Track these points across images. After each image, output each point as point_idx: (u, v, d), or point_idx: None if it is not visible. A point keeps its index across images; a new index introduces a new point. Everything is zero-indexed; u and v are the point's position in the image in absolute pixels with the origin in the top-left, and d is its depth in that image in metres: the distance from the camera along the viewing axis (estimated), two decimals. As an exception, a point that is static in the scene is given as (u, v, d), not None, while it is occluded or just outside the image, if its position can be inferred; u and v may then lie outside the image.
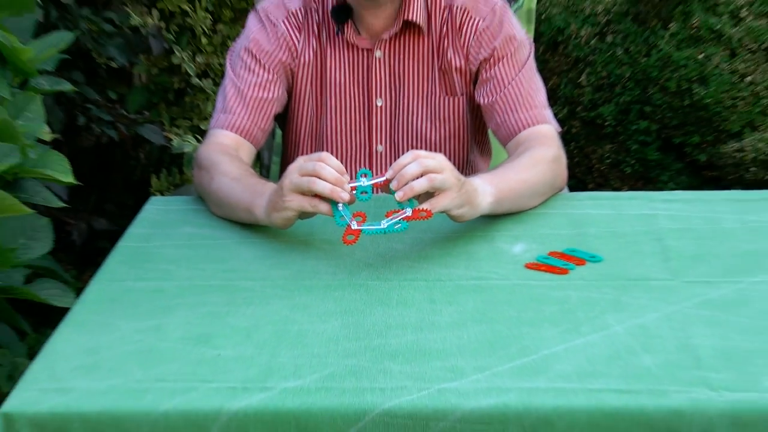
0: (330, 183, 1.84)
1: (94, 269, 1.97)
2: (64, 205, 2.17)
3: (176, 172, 3.53)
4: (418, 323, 1.75)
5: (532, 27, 2.98)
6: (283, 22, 2.39)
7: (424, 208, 1.87)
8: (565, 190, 2.29)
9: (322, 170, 1.85)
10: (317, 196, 1.87)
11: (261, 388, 1.56)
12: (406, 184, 1.83)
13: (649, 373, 1.59)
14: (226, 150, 2.25)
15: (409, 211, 1.87)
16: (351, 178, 1.89)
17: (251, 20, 2.41)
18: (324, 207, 1.87)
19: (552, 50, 3.68)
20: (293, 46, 2.38)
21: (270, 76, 2.35)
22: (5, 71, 2.11)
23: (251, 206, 2.05)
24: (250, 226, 2.08)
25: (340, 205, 1.87)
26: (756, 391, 1.54)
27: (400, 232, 1.89)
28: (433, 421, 1.52)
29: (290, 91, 2.42)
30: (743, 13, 3.43)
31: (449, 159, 1.96)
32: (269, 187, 2.03)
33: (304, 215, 1.94)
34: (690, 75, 3.39)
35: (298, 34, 2.39)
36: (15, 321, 2.18)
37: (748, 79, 3.39)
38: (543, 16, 3.70)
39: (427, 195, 1.87)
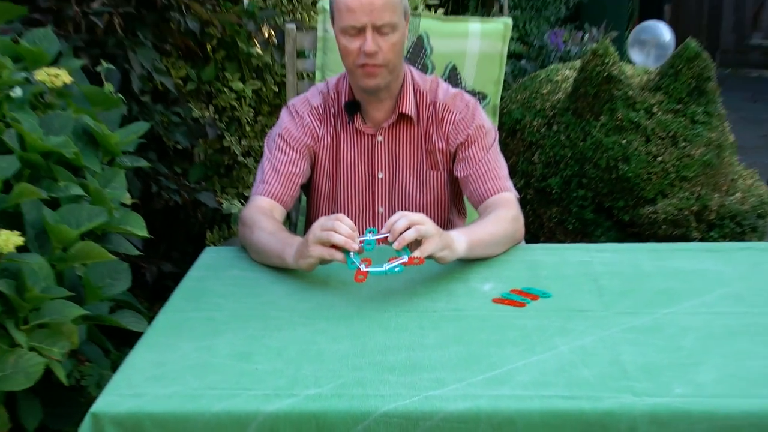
0: (344, 237, 1.89)
1: (162, 302, 1.96)
2: (140, 253, 2.17)
3: (225, 228, 3.53)
4: (410, 344, 1.74)
5: (496, 118, 2.99)
6: (308, 114, 2.40)
7: (417, 256, 1.90)
8: (523, 242, 2.28)
9: (339, 227, 1.90)
10: (334, 246, 1.91)
11: (289, 395, 1.56)
12: (399, 235, 1.88)
13: (587, 383, 1.59)
14: (263, 211, 2.25)
15: (405, 257, 1.90)
16: (360, 234, 1.94)
17: (284, 113, 2.43)
18: (339, 255, 1.92)
19: (511, 136, 3.69)
20: (315, 132, 2.39)
21: (297, 156, 2.36)
22: (97, 152, 2.12)
23: (283, 254, 2.06)
24: (282, 270, 2.08)
25: (352, 253, 1.91)
26: (669, 396, 1.54)
27: (398, 274, 1.90)
28: (421, 420, 1.52)
29: (312, 167, 2.42)
30: (655, 109, 3.44)
31: (434, 218, 2.04)
32: (297, 239, 2.06)
33: (323, 261, 1.96)
34: (616, 155, 3.39)
35: (319, 124, 2.40)
36: (102, 342, 2.17)
37: (659, 158, 3.39)
38: (504, 110, 3.71)
39: (417, 243, 1.91)
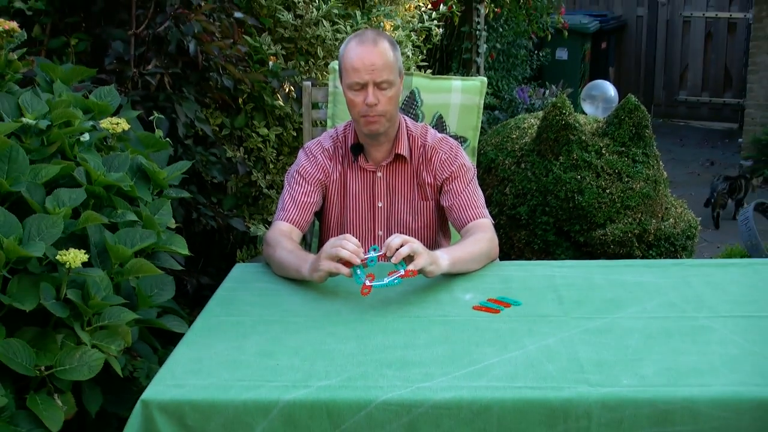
0: (349, 251, 1.91)
1: (200, 309, 1.95)
2: (182, 268, 2.16)
3: (253, 248, 3.52)
4: (404, 344, 1.73)
5: (475, 158, 2.98)
6: (320, 154, 2.39)
7: (411, 269, 1.91)
8: (497, 260, 2.27)
9: (346, 244, 1.93)
10: (342, 262, 1.92)
11: (304, 386, 1.55)
12: (395, 251, 1.90)
13: (551, 376, 1.57)
14: (284, 234, 2.24)
15: (401, 270, 1.91)
16: (365, 252, 1.96)
17: (301, 154, 2.42)
18: (344, 270, 1.93)
19: (487, 172, 3.68)
20: (326, 169, 2.38)
21: (311, 188, 2.35)
22: (149, 185, 2.11)
23: (299, 268, 2.05)
24: (299, 282, 2.06)
25: (359, 270, 1.92)
26: (618, 386, 1.53)
27: (396, 286, 1.92)
28: (413, 407, 1.50)
29: (324, 197, 2.41)
30: (603, 151, 3.44)
31: (423, 240, 2.08)
32: (311, 256, 2.06)
33: (332, 274, 1.96)
34: (572, 188, 3.38)
35: (329, 162, 2.38)
36: (150, 341, 2.16)
37: (608, 191, 3.38)
38: (481, 151, 3.70)
39: (409, 259, 1.92)
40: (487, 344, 1.71)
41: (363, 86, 2.21)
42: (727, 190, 5.35)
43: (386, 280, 1.89)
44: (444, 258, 2.03)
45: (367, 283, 1.89)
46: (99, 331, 1.77)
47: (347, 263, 1.92)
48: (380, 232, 2.43)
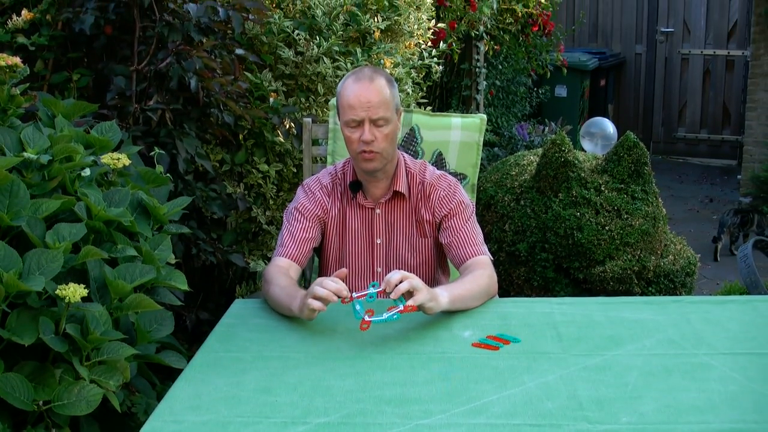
0: (326, 290, 1.91)
1: (199, 344, 1.95)
2: (181, 303, 2.16)
3: (252, 283, 3.52)
4: (403, 381, 1.73)
5: (474, 195, 3.00)
6: (319, 191, 2.40)
7: (410, 305, 1.91)
8: (496, 296, 2.27)
9: (325, 284, 1.92)
10: (327, 298, 1.92)
11: (303, 423, 1.55)
12: (394, 286, 1.90)
13: (550, 413, 1.57)
14: (281, 270, 2.24)
15: (401, 306, 1.91)
16: (364, 289, 1.96)
17: (300, 190, 2.43)
18: (317, 304, 1.92)
19: (487, 209, 3.69)
20: (325, 206, 2.39)
21: (310, 224, 2.36)
22: (149, 220, 2.13)
23: (290, 305, 2.05)
24: (297, 318, 2.06)
25: (357, 304, 1.92)
26: (617, 423, 1.53)
27: (395, 321, 1.92)
28: (412, 444, 1.49)
29: (323, 233, 2.42)
30: (602, 188, 3.45)
31: (422, 277, 2.06)
32: (301, 293, 2.04)
33: (316, 310, 1.94)
34: (572, 225, 3.39)
35: (328, 199, 2.40)
36: (149, 376, 2.15)
37: (607, 228, 3.39)
38: (481, 188, 3.72)
39: (409, 295, 1.92)
40: (486, 381, 1.71)
41: (359, 123, 2.23)
42: (739, 223, 5.36)
43: (385, 316, 1.89)
44: (443, 295, 2.03)
45: (366, 318, 1.89)
46: (98, 366, 1.77)
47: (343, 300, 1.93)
48: (379, 269, 2.44)
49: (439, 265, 2.51)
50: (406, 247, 2.42)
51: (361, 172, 2.36)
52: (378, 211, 2.41)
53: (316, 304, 1.92)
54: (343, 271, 2.05)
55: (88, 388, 1.71)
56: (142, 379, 2.13)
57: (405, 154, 2.46)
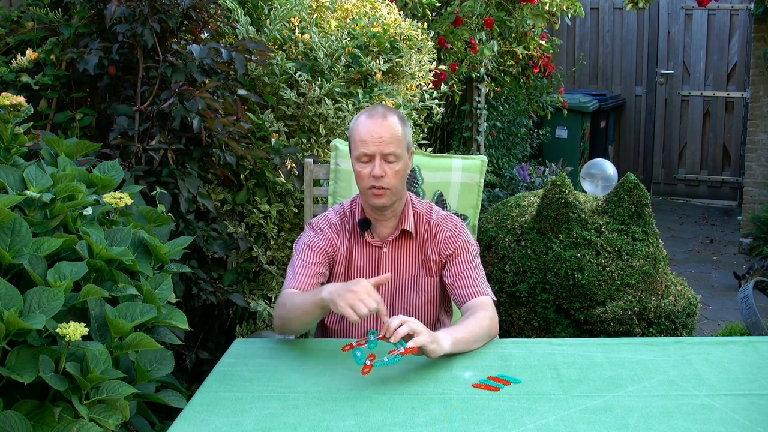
0: (368, 309, 1.94)
1: (199, 384, 1.95)
2: (181, 342, 2.16)
3: (252, 323, 3.51)
4: (403, 422, 1.72)
5: (475, 236, 3.01)
6: (328, 228, 2.42)
7: (410, 346, 1.92)
8: (497, 337, 2.27)
9: (369, 303, 1.95)
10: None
11: (303, 463, 1.54)
12: (394, 331, 1.92)
13: (551, 455, 1.56)
14: (294, 291, 2.28)
15: (401, 349, 1.91)
16: (367, 326, 1.96)
17: (308, 228, 2.46)
18: (364, 310, 1.95)
19: (487, 250, 3.70)
20: (333, 243, 2.41)
21: (319, 260, 2.38)
22: (150, 260, 2.13)
23: (315, 295, 2.08)
24: (298, 358, 2.05)
25: (358, 351, 1.95)
26: (619, 467, 1.52)
27: (396, 363, 1.92)
28: (412, 485, 1.48)
29: (331, 269, 2.43)
30: (603, 229, 3.46)
31: (427, 317, 2.11)
32: (329, 285, 2.08)
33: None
34: (572, 266, 3.40)
35: (336, 236, 2.42)
36: (148, 415, 2.14)
37: (608, 269, 3.40)
38: (481, 229, 3.74)
39: (408, 338, 1.93)
40: (486, 422, 1.71)
41: (370, 158, 2.27)
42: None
43: (386, 359, 1.90)
44: (446, 339, 2.04)
45: (368, 363, 1.90)
46: (97, 405, 1.77)
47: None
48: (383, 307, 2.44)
49: (443, 305, 2.51)
50: (411, 286, 2.43)
51: (369, 209, 2.39)
52: (385, 249, 2.42)
53: (364, 310, 1.93)
54: (387, 275, 2.12)
55: (87, 426, 1.71)
56: (142, 419, 2.12)
57: (412, 195, 2.49)
